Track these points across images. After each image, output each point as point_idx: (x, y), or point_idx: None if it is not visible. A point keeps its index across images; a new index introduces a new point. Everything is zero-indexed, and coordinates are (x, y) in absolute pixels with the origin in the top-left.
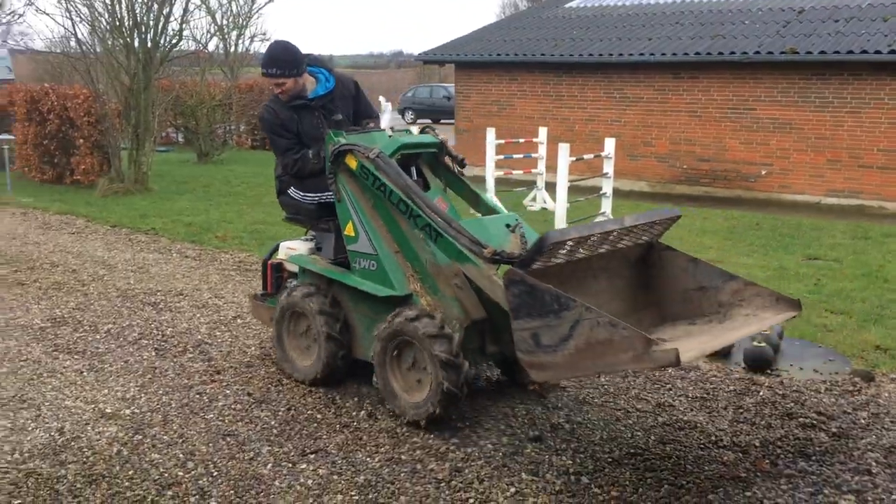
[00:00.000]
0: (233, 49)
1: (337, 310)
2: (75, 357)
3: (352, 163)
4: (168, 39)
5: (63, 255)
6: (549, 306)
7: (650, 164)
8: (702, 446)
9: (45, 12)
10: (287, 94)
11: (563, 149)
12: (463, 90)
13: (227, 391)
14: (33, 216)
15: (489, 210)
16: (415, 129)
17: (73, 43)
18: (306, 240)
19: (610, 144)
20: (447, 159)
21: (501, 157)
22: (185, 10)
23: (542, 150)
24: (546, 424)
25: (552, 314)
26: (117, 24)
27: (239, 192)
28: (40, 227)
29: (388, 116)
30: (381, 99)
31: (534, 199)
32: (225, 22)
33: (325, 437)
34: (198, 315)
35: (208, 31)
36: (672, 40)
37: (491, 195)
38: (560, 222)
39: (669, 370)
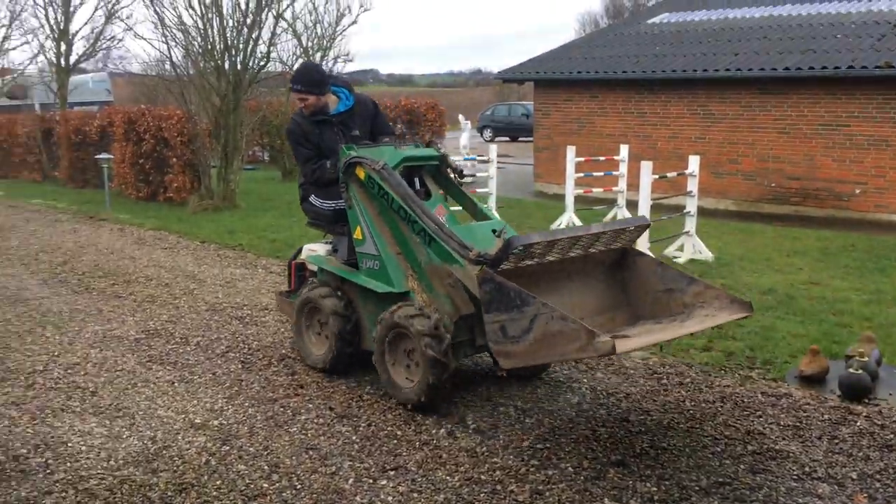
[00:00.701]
0: None
1: (349, 310)
2: (167, 368)
3: (360, 173)
4: (256, 62)
5: (156, 269)
6: (513, 302)
7: (736, 182)
8: (795, 477)
9: (142, 37)
10: (309, 109)
11: (646, 166)
12: (542, 108)
13: (310, 405)
14: (129, 231)
15: (483, 217)
16: (492, 151)
17: (167, 66)
18: (325, 243)
19: (694, 162)
20: (448, 171)
21: (581, 174)
22: (273, 34)
23: (623, 168)
24: (629, 449)
25: (515, 309)
26: (209, 47)
27: None
28: (136, 242)
29: (466, 134)
30: (461, 117)
31: (614, 218)
32: (310, 44)
33: (405, 454)
34: (282, 329)
35: (294, 53)
36: (759, 55)
37: (570, 214)
38: (642, 241)
39: (758, 397)
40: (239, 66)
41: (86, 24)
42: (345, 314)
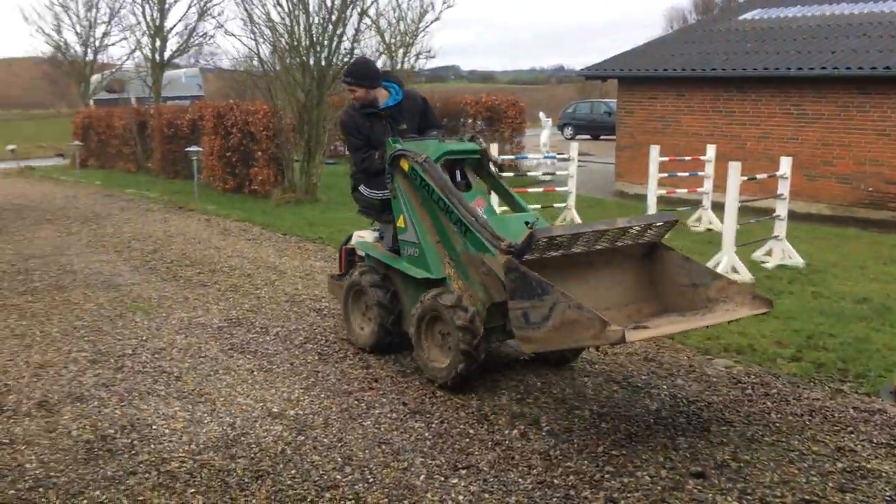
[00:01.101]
0: (399, 66)
1: (391, 295)
2: (248, 356)
3: (405, 165)
4: (340, 58)
5: (240, 259)
6: (535, 290)
7: (829, 185)
8: (888, 499)
9: (232, 34)
10: (359, 101)
11: (734, 167)
12: (626, 106)
13: (384, 399)
14: (216, 222)
15: (520, 209)
16: (573, 149)
17: (255, 62)
18: (373, 230)
19: (786, 163)
20: (490, 164)
21: (665, 175)
22: (357, 30)
23: (710, 169)
24: (710, 460)
25: (537, 297)
26: (295, 44)
27: None
28: (221, 232)
29: (547, 132)
30: (542, 114)
31: (698, 220)
32: (392, 40)
33: (477, 453)
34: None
35: (377, 50)
36: (858, 53)
37: (652, 208)
38: (728, 245)
39: (849, 411)
40: (323, 63)
41: (180, 20)
42: (387, 298)
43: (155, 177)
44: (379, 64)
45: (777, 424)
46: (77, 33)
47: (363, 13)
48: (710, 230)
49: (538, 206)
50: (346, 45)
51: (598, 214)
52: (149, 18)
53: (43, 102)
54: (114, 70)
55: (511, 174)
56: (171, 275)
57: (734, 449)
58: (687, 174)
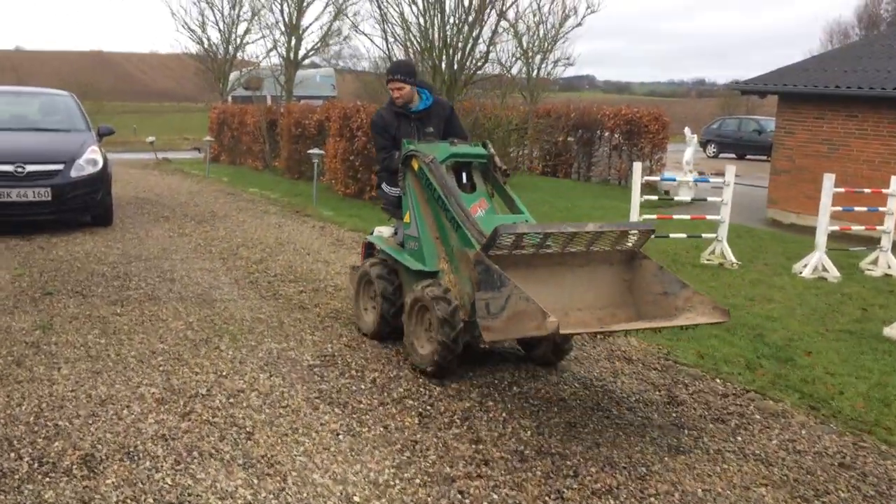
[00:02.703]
0: (535, 73)
1: (395, 285)
2: (335, 411)
3: (415, 165)
4: (473, 62)
5: (347, 278)
6: (496, 283)
7: None
8: None
9: (364, 33)
10: (402, 99)
11: None
12: (786, 125)
13: (495, 495)
14: (329, 231)
15: (517, 211)
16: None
17: (386, 63)
18: (392, 226)
19: None
20: (495, 169)
21: (839, 208)
22: (494, 32)
23: (893, 204)
24: None
25: (496, 289)
26: (428, 45)
27: None
28: (333, 243)
29: (691, 149)
30: (687, 130)
31: (874, 263)
32: (530, 45)
33: None
34: (472, 377)
35: (513, 55)
36: None
37: (821, 254)
38: None
39: None
40: (455, 66)
41: (316, 20)
42: (390, 290)
43: (280, 176)
44: (514, 70)
45: None
46: (220, 30)
47: (502, 14)
48: (888, 276)
49: (683, 234)
50: (481, 47)
51: (751, 248)
52: (285, 16)
53: (194, 96)
54: (251, 68)
55: (654, 197)
56: (271, 292)
57: None
58: (865, 209)
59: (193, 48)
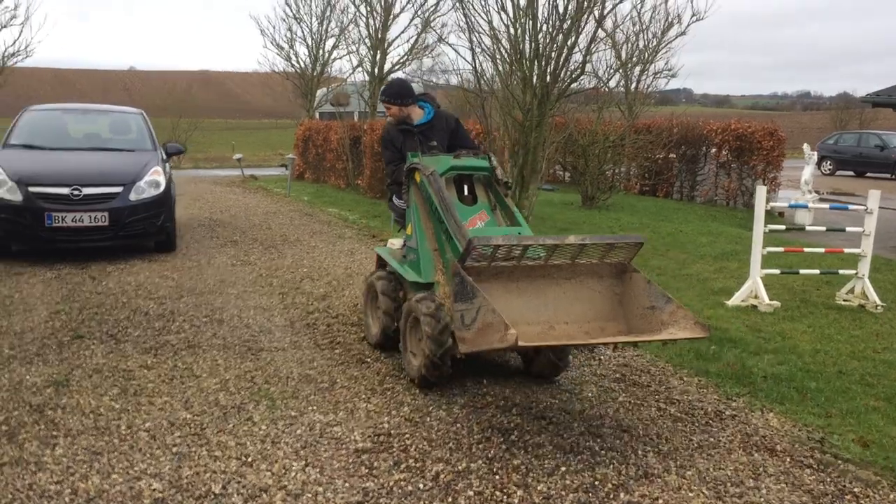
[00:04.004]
0: (634, 85)
1: (396, 295)
2: None
3: (417, 177)
4: (568, 73)
5: None
6: (469, 294)
7: None
8: None
9: (449, 44)
10: (394, 118)
11: None
12: None
13: None
14: None
15: (516, 224)
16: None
17: (471, 76)
18: (403, 238)
19: None
20: (496, 182)
21: None
22: (592, 40)
23: None
24: None
25: (469, 300)
26: (518, 55)
27: None
28: None
29: (810, 168)
30: (806, 147)
31: None
32: (628, 56)
33: None
34: (562, 469)
35: (610, 66)
36: None
37: None
38: None
39: None
40: (547, 77)
41: (402, 32)
42: (392, 307)
43: (362, 195)
44: (612, 83)
45: None
46: (308, 46)
47: (600, 21)
48: None
49: (816, 271)
50: (576, 57)
51: (893, 284)
52: (372, 30)
53: (290, 113)
54: (338, 84)
55: (781, 227)
56: (328, 339)
57: None
58: None
59: (280, 65)
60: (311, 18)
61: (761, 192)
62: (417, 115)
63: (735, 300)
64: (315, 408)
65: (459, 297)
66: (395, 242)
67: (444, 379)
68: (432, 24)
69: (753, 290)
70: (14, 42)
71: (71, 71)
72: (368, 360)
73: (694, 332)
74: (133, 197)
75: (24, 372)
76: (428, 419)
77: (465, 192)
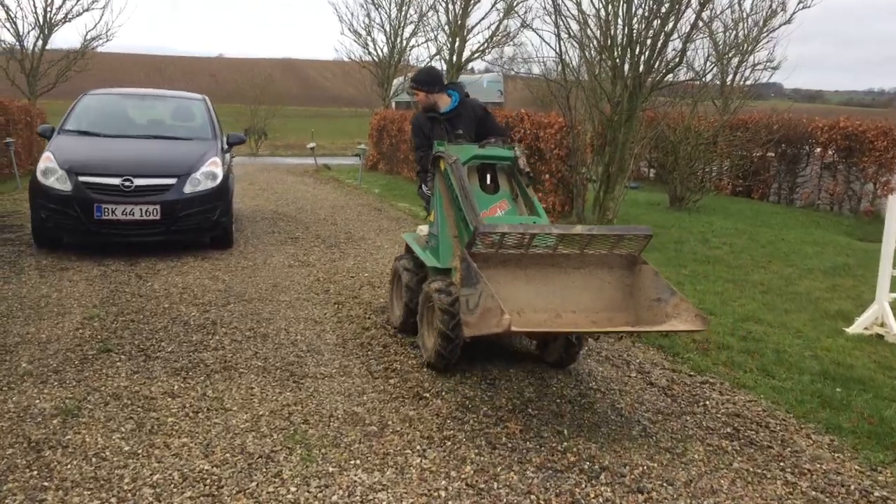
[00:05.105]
0: (731, 78)
1: (418, 279)
2: None
3: (442, 165)
4: (664, 63)
5: (483, 351)
6: (473, 279)
7: None
8: None
9: (534, 29)
10: (421, 103)
11: None
12: None
13: None
14: None
15: (534, 213)
16: None
17: (556, 65)
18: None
19: None
20: (518, 172)
21: None
22: (693, 26)
23: None
24: None
25: (473, 285)
26: (608, 42)
27: (718, 257)
28: None
29: None
30: None
31: None
32: (726, 46)
33: None
34: None
35: (707, 58)
36: None
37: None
38: None
39: None
40: (641, 67)
41: (483, 18)
42: (413, 281)
43: None
44: (709, 77)
45: None
46: (386, 32)
47: (704, 5)
48: None
49: None
50: (674, 44)
51: None
52: (451, 16)
53: (370, 101)
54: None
55: None
56: (382, 365)
57: None
58: None
59: (357, 52)
60: (389, 4)
61: (893, 202)
62: (444, 102)
63: (856, 327)
64: (358, 462)
65: (466, 283)
66: (424, 229)
67: (455, 357)
68: (516, 8)
69: (880, 316)
70: (94, 26)
71: (159, 58)
72: (427, 394)
73: (694, 324)
74: (188, 189)
75: (36, 394)
76: (495, 486)
77: (488, 181)
